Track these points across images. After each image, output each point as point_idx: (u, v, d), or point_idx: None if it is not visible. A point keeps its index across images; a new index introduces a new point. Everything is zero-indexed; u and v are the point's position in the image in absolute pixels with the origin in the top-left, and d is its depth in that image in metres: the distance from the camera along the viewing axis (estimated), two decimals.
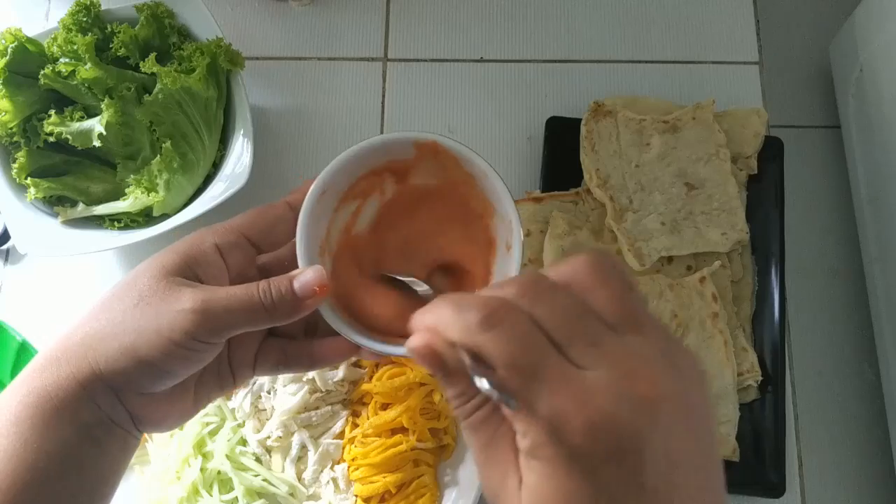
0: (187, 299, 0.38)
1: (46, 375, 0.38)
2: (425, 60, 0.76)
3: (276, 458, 0.62)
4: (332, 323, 0.41)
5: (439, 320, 0.30)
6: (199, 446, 0.62)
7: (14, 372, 0.66)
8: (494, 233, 0.45)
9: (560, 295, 0.29)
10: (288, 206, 0.43)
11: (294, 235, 0.42)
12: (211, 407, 0.63)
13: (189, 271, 0.40)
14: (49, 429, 0.38)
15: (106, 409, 0.39)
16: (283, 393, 0.62)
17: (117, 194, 0.65)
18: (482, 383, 0.28)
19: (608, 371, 0.27)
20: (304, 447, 0.62)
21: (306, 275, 0.40)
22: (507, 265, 0.44)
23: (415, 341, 0.31)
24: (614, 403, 0.26)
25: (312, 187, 0.43)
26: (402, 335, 0.39)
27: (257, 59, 0.76)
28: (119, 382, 0.39)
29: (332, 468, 0.62)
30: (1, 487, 0.37)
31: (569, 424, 0.26)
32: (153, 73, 0.62)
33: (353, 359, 0.64)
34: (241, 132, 0.65)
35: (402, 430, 0.61)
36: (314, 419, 0.62)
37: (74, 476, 0.39)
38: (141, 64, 0.63)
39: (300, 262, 0.42)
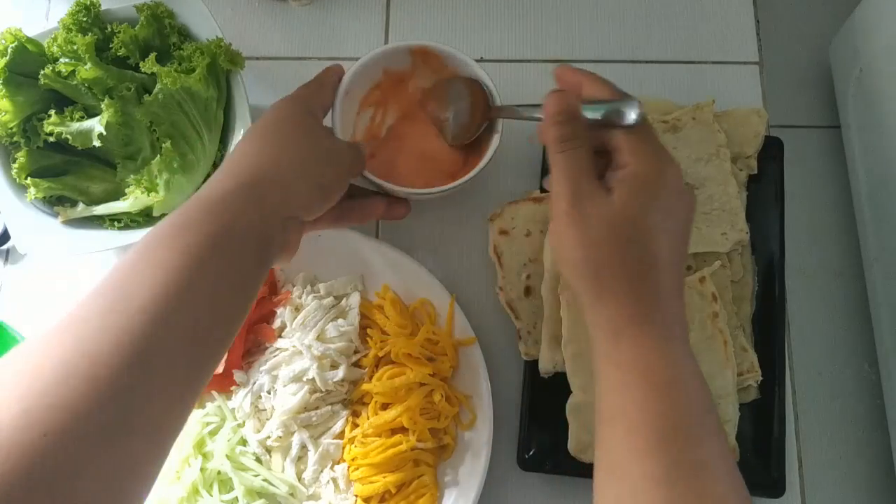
0: (345, 143, 0.56)
1: (251, 210, 0.46)
2: None
3: (276, 458, 0.62)
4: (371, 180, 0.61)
5: (584, 78, 0.50)
6: (199, 446, 0.62)
7: None
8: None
9: None
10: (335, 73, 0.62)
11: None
12: (211, 407, 0.63)
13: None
14: (236, 252, 0.44)
15: (283, 239, 0.48)
16: (283, 393, 0.62)
17: (117, 194, 0.65)
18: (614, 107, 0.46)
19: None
20: (304, 447, 0.62)
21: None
22: (493, 128, 0.63)
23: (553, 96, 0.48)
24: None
25: (339, 89, 0.63)
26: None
27: (257, 59, 0.76)
28: (305, 213, 0.50)
29: (332, 468, 0.62)
30: (198, 293, 0.42)
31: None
32: (153, 73, 0.62)
33: (354, 358, 0.64)
34: (241, 132, 0.65)
35: (402, 430, 0.61)
36: (314, 419, 0.62)
37: (245, 296, 0.46)
38: (141, 64, 0.63)
39: None
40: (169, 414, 0.40)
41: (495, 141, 0.63)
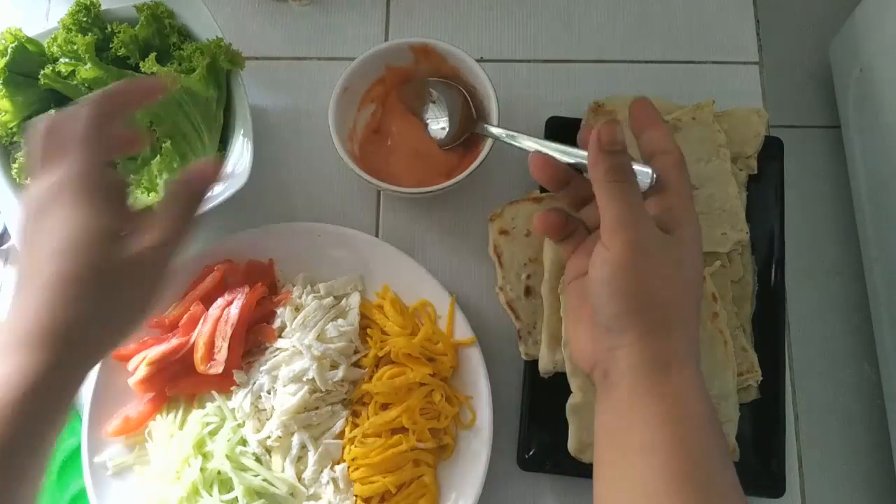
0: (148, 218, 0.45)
1: (31, 362, 0.39)
2: None
3: (276, 458, 0.62)
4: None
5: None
6: (199, 446, 0.62)
7: None
8: (479, 107, 0.67)
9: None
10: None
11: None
12: (211, 407, 0.63)
13: None
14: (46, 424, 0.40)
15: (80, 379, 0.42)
16: (283, 393, 0.62)
17: None
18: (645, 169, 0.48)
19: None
20: (304, 447, 0.62)
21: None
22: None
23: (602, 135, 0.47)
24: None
25: (336, 86, 0.64)
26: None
27: (257, 59, 0.76)
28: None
29: (332, 468, 0.62)
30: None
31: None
32: (153, 73, 0.62)
33: (354, 358, 0.64)
34: (241, 132, 0.65)
35: (402, 430, 0.61)
36: (314, 419, 0.62)
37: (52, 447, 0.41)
38: (141, 64, 0.63)
39: (335, 142, 0.63)
40: None
41: (490, 141, 0.63)
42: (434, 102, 0.69)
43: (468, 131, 0.66)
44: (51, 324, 0.39)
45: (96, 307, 0.40)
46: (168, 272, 0.44)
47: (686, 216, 0.48)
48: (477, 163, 0.63)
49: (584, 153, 0.51)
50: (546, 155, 0.52)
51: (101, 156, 0.43)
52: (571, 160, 0.53)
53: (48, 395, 0.39)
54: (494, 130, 0.63)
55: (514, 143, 0.61)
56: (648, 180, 0.48)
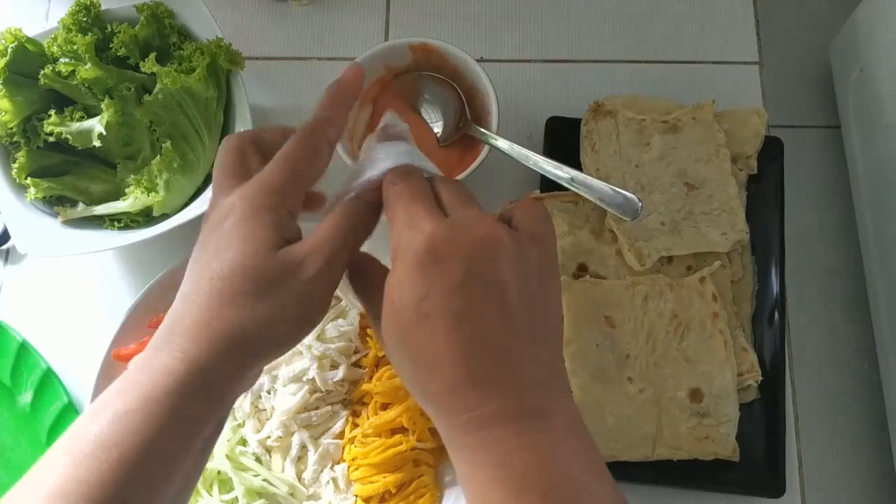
0: (309, 270, 0.38)
1: (208, 375, 0.37)
2: None
3: (276, 458, 0.62)
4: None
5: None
6: None
7: (14, 372, 0.66)
8: (480, 108, 0.67)
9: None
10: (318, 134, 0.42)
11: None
12: None
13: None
14: (199, 420, 0.37)
15: (240, 392, 0.39)
16: (283, 393, 0.62)
17: (117, 194, 0.65)
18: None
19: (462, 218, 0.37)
20: (304, 447, 0.62)
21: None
22: (492, 126, 0.64)
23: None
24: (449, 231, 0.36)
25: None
26: None
27: (257, 59, 0.76)
28: (268, 355, 0.39)
29: (332, 468, 0.62)
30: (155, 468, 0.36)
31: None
32: (153, 73, 0.62)
33: (354, 358, 0.64)
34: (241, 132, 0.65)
35: (402, 430, 0.61)
36: (314, 419, 0.62)
37: (203, 456, 0.39)
38: (141, 64, 0.63)
39: None
40: None
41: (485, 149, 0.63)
42: (427, 101, 0.69)
43: (461, 132, 0.66)
44: (210, 321, 0.37)
45: (255, 308, 0.37)
46: (329, 275, 0.38)
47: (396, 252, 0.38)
48: (477, 162, 0.63)
49: (576, 172, 0.52)
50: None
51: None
52: (564, 175, 0.55)
53: (203, 391, 0.37)
54: (487, 134, 0.63)
55: (503, 150, 0.62)
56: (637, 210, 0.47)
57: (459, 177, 0.63)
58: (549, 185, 0.66)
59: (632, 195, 0.58)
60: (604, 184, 0.60)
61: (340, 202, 0.41)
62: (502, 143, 0.63)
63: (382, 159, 0.41)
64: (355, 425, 0.62)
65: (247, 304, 0.37)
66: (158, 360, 0.37)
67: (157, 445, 0.35)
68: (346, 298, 0.61)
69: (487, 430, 0.34)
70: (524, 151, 0.63)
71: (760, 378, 0.62)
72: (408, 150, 0.42)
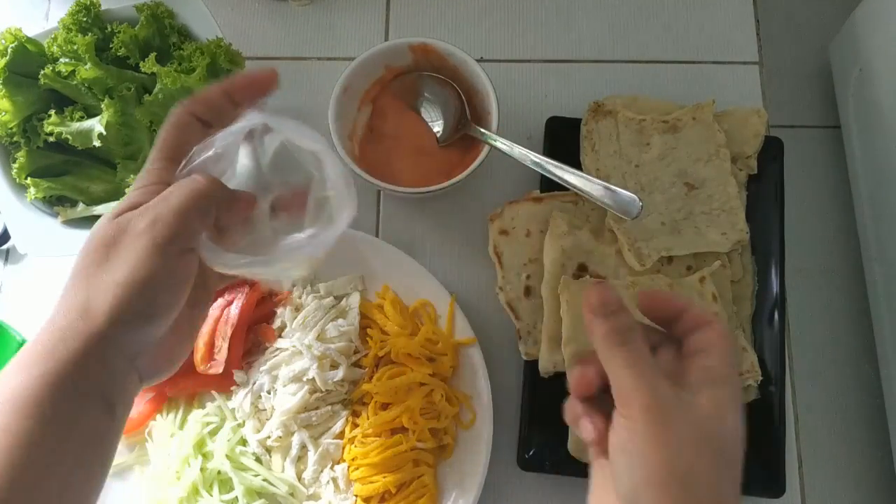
0: (137, 222, 0.39)
1: (59, 354, 0.38)
2: None
3: (276, 458, 0.62)
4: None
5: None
6: (199, 446, 0.62)
7: None
8: (480, 108, 0.67)
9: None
10: (223, 93, 0.45)
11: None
12: (211, 407, 0.63)
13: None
14: (74, 407, 0.38)
15: (120, 375, 0.40)
16: (283, 393, 0.62)
17: (117, 194, 0.65)
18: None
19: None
20: (304, 447, 0.62)
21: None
22: (492, 125, 0.64)
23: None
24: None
25: (336, 86, 0.64)
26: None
27: (257, 59, 0.76)
28: (127, 341, 0.39)
29: (332, 468, 0.62)
30: (30, 467, 0.36)
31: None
32: (153, 73, 0.62)
33: (354, 358, 0.64)
34: None
35: (402, 430, 0.61)
36: (314, 419, 0.62)
37: (98, 447, 0.40)
38: (141, 64, 0.63)
39: (335, 142, 0.63)
40: None
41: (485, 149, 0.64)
42: (427, 100, 0.69)
43: (461, 132, 0.66)
44: (60, 303, 0.40)
45: (96, 276, 0.40)
46: (152, 231, 0.39)
47: (723, 379, 0.42)
48: (477, 162, 0.63)
49: (576, 172, 0.52)
50: (588, 374, 0.45)
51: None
52: (564, 175, 0.54)
53: (58, 378, 0.38)
54: (486, 134, 0.64)
55: (503, 150, 0.62)
56: (636, 210, 0.46)
57: (459, 177, 0.63)
58: (549, 185, 0.66)
59: (632, 195, 0.58)
60: (604, 184, 0.60)
61: (185, 169, 0.42)
62: (502, 144, 0.63)
63: (224, 134, 0.43)
64: (355, 425, 0.62)
65: (90, 278, 0.39)
66: (36, 335, 0.39)
67: (28, 442, 0.36)
68: None
69: None
70: (524, 151, 0.63)
71: (760, 378, 0.62)
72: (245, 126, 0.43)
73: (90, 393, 0.39)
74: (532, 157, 0.62)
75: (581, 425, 0.44)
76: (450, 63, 0.67)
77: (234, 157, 0.44)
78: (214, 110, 0.44)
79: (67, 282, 0.40)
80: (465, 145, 0.68)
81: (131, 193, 0.42)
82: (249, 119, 0.44)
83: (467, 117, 0.66)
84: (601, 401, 0.44)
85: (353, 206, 0.44)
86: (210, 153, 0.42)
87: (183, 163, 0.42)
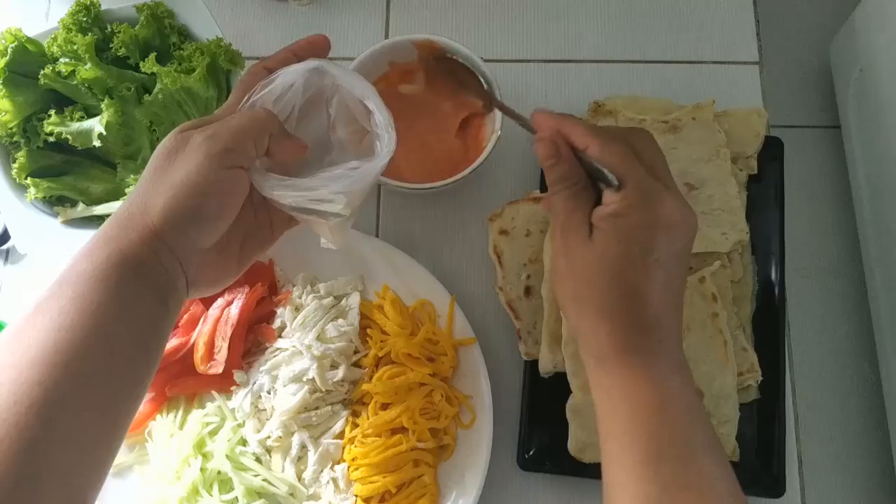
0: (197, 136, 0.45)
1: (121, 241, 0.43)
2: None
3: (276, 458, 0.62)
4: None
5: (563, 124, 0.49)
6: (199, 446, 0.62)
7: None
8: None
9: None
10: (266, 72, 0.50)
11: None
12: (211, 407, 0.63)
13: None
14: (132, 287, 0.43)
15: (171, 272, 0.44)
16: (283, 393, 0.62)
17: (117, 194, 0.65)
18: (600, 168, 0.47)
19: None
20: (304, 447, 0.62)
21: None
22: (495, 122, 0.64)
23: (544, 133, 0.49)
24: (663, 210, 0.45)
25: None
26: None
27: (257, 59, 0.76)
28: (176, 241, 0.44)
29: (332, 468, 0.62)
30: (100, 338, 0.41)
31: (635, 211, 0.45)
32: (153, 73, 0.62)
33: (354, 358, 0.64)
34: None
35: (402, 430, 0.61)
36: (314, 419, 0.62)
37: (149, 334, 0.44)
38: (141, 64, 0.63)
39: None
40: (79, 464, 0.40)
41: (494, 136, 0.63)
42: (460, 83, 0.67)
43: (486, 108, 0.66)
44: (125, 206, 0.45)
45: (155, 182, 0.44)
46: (209, 146, 0.44)
47: (653, 189, 0.46)
48: (481, 158, 0.63)
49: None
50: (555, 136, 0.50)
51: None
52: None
53: (122, 265, 0.42)
54: (513, 111, 0.59)
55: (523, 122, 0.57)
56: (615, 182, 0.47)
57: (465, 172, 0.62)
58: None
59: (603, 168, 0.54)
60: None
61: (245, 105, 0.48)
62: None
63: (283, 72, 0.49)
64: (355, 425, 0.62)
65: (152, 181, 0.44)
66: (100, 229, 0.45)
67: (96, 313, 0.41)
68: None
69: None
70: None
71: (760, 378, 0.62)
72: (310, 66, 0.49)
73: (146, 279, 0.43)
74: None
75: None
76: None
77: (293, 96, 0.49)
78: (283, 64, 0.50)
79: (135, 187, 0.45)
80: (468, 141, 0.67)
81: (201, 119, 0.47)
82: (306, 63, 0.49)
83: (491, 95, 0.64)
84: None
85: (392, 144, 0.49)
86: (271, 87, 0.48)
87: (247, 96, 0.48)
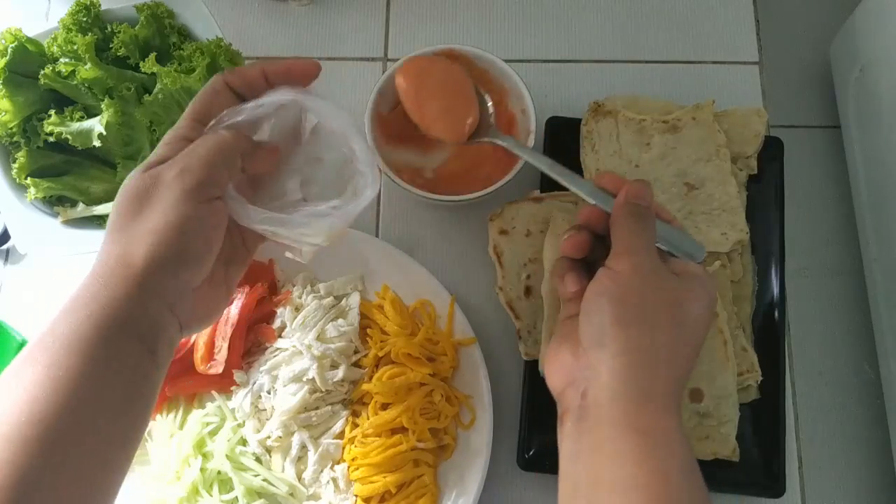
0: (166, 173, 0.42)
1: (102, 298, 0.41)
2: None
3: (276, 458, 0.62)
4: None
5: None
6: (199, 446, 0.62)
7: None
8: (512, 108, 0.66)
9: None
10: (262, 74, 0.47)
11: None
12: (211, 407, 0.63)
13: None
14: (116, 346, 0.40)
15: (160, 321, 0.42)
16: (283, 393, 0.62)
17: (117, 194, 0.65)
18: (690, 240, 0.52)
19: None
20: (304, 447, 0.62)
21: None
22: (529, 123, 0.64)
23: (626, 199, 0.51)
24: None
25: (372, 91, 0.61)
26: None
27: (257, 59, 0.76)
28: (164, 287, 0.42)
29: (332, 468, 0.62)
30: (81, 400, 0.39)
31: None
32: (153, 73, 0.62)
33: (354, 358, 0.64)
34: None
35: (402, 430, 0.61)
36: (314, 419, 0.62)
37: (138, 386, 0.42)
38: (141, 64, 0.63)
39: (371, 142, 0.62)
40: None
41: (530, 141, 0.63)
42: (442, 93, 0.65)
43: (481, 134, 0.62)
44: (102, 252, 0.43)
45: (131, 227, 0.42)
46: (182, 181, 0.42)
47: (699, 274, 0.50)
48: (511, 174, 0.63)
49: (588, 184, 0.53)
50: (584, 235, 0.53)
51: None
52: (579, 191, 0.53)
53: (106, 319, 0.40)
54: (504, 142, 0.60)
55: (524, 156, 0.59)
56: (702, 255, 0.51)
57: (491, 188, 0.63)
58: (548, 184, 0.66)
59: (697, 241, 0.54)
60: (670, 227, 0.53)
61: (216, 126, 0.45)
62: (528, 155, 0.59)
63: (263, 98, 0.46)
64: (355, 425, 0.62)
65: (127, 228, 0.42)
66: (79, 284, 0.42)
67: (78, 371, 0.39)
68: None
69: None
70: (554, 165, 0.57)
71: (760, 378, 0.62)
72: (291, 92, 0.47)
73: (132, 334, 0.41)
74: (560, 172, 0.57)
75: (567, 278, 0.52)
76: (477, 67, 0.66)
77: (264, 126, 0.46)
78: (249, 85, 0.47)
79: (105, 235, 0.43)
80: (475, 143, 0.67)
81: (158, 149, 0.44)
82: (282, 93, 0.46)
83: (491, 121, 0.62)
84: (582, 269, 0.53)
85: (376, 184, 0.48)
86: (240, 118, 0.45)
87: (211, 123, 0.45)
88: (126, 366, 0.41)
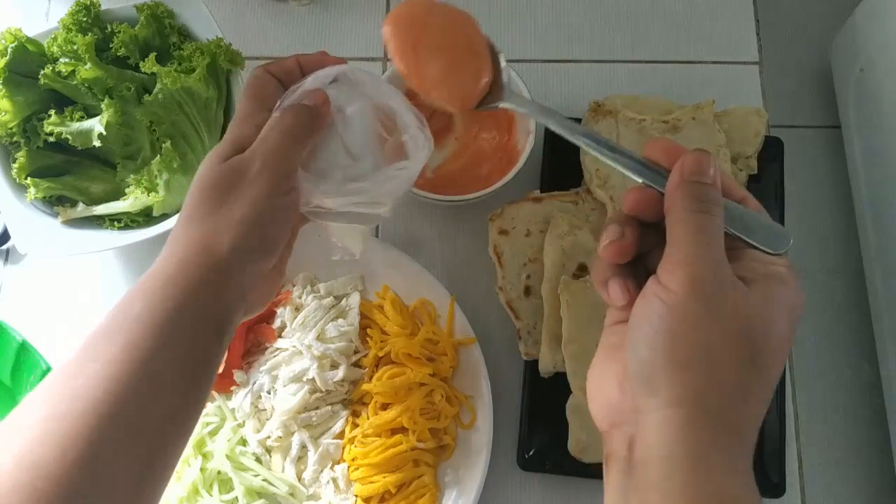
0: (251, 167, 0.45)
1: (181, 282, 0.42)
2: None
3: (276, 458, 0.62)
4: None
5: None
6: (199, 446, 0.62)
7: (14, 372, 0.66)
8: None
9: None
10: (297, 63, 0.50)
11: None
12: (211, 407, 0.63)
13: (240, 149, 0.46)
14: (191, 330, 0.42)
15: (232, 305, 0.44)
16: (283, 393, 0.62)
17: (117, 194, 0.65)
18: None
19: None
20: (304, 447, 0.62)
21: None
22: (529, 123, 0.63)
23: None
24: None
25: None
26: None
27: (257, 59, 0.76)
28: (243, 272, 0.44)
29: (332, 468, 0.62)
30: (153, 381, 0.40)
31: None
32: (153, 73, 0.62)
33: (354, 358, 0.64)
34: None
35: (402, 430, 0.61)
36: (314, 419, 0.62)
37: (203, 370, 0.43)
38: (141, 64, 0.63)
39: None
40: None
41: (530, 141, 0.63)
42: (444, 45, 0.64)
43: (494, 98, 0.52)
44: (181, 235, 0.44)
45: (215, 216, 0.44)
46: (269, 172, 0.44)
47: (783, 277, 0.39)
48: (511, 174, 0.63)
49: (635, 159, 0.43)
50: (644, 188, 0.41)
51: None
52: (624, 169, 0.43)
53: (191, 291, 0.42)
54: (524, 108, 0.52)
55: (550, 124, 0.51)
56: (786, 244, 0.40)
57: (496, 186, 0.63)
58: (548, 184, 0.66)
59: (779, 226, 0.44)
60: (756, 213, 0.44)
61: (280, 108, 0.47)
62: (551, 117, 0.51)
63: (312, 78, 0.48)
64: (355, 425, 0.62)
65: (211, 218, 0.44)
66: (155, 266, 0.44)
67: (164, 327, 0.41)
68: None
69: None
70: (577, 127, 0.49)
71: None
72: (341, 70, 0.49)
73: (206, 320, 0.43)
74: (592, 137, 0.48)
75: (610, 287, 0.40)
76: None
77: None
78: (287, 73, 0.49)
79: (181, 221, 0.45)
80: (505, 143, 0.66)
81: (230, 131, 0.47)
82: (332, 68, 0.49)
83: (504, 83, 0.51)
84: (628, 272, 0.41)
85: (429, 144, 0.49)
86: (299, 92, 0.47)
87: (278, 102, 0.47)
88: (198, 348, 0.42)
